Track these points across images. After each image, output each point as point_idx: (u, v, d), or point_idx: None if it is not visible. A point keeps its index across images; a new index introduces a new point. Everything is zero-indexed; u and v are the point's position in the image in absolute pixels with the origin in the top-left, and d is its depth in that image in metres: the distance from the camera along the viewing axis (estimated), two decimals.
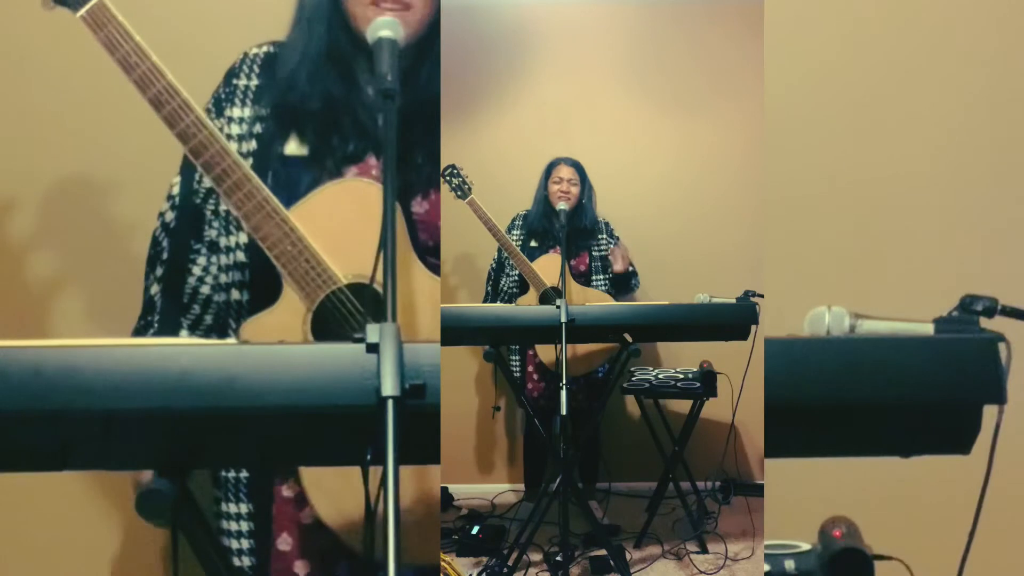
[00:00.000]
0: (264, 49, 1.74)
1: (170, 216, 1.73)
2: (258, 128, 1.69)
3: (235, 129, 1.69)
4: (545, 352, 3.53)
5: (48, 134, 2.30)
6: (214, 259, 1.70)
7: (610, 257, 3.62)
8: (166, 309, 1.70)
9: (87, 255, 2.31)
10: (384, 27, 1.50)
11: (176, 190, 1.74)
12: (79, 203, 2.30)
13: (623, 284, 3.66)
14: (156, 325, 1.70)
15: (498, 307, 3.42)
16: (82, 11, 1.51)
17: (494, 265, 3.72)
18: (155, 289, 1.72)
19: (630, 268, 3.68)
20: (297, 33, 1.71)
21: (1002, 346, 1.28)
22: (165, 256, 1.72)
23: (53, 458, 1.15)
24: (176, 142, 1.55)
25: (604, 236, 3.70)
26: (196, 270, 1.71)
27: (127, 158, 2.26)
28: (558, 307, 2.58)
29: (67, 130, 2.30)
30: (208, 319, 1.71)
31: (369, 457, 1.08)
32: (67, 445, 1.14)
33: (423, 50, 1.69)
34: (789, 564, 1.55)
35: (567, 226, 3.40)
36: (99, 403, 1.09)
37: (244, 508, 1.70)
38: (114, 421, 1.11)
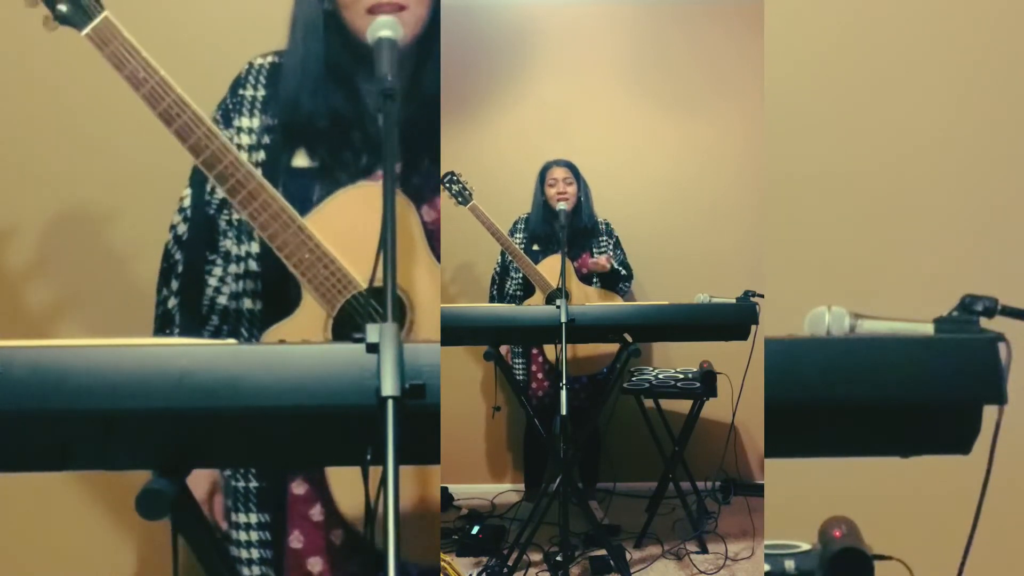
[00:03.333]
0: (269, 59, 1.74)
1: (182, 228, 1.73)
2: (266, 139, 1.69)
3: (244, 139, 1.69)
4: (552, 352, 3.53)
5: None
6: (230, 269, 1.70)
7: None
8: (185, 321, 1.71)
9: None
10: (384, 27, 1.50)
11: (187, 202, 1.73)
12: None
13: (612, 283, 3.65)
14: (176, 338, 1.70)
15: (499, 307, 3.42)
16: (87, 29, 1.50)
17: (498, 269, 3.71)
18: (172, 302, 1.72)
19: (623, 272, 3.67)
20: (294, 50, 1.70)
21: (1002, 346, 1.28)
22: (180, 269, 1.72)
23: (53, 458, 1.16)
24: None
25: (604, 236, 3.70)
26: (213, 281, 1.71)
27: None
28: (558, 307, 2.58)
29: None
30: (227, 329, 1.71)
31: (369, 457, 1.08)
32: (67, 445, 1.14)
33: (424, 53, 1.68)
34: (789, 564, 1.55)
35: (568, 226, 3.40)
36: (99, 403, 1.09)
37: (255, 518, 1.69)
38: (114, 421, 1.11)
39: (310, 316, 1.58)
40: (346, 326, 1.57)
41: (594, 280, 3.62)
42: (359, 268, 1.57)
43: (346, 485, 1.57)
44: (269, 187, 1.55)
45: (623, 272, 3.67)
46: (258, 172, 1.56)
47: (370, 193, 1.62)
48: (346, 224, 1.58)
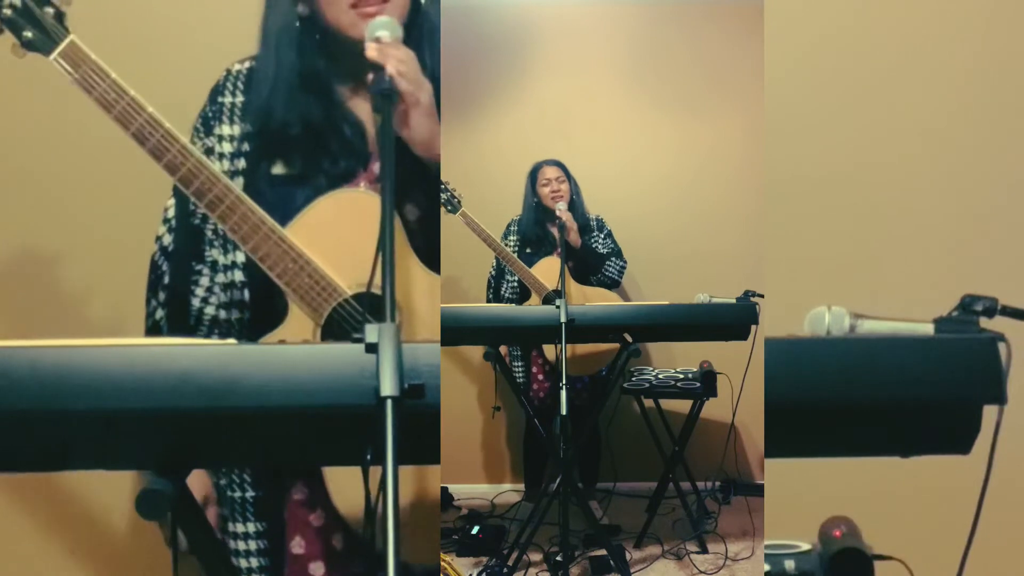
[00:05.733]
0: (246, 65, 1.72)
1: (168, 239, 1.72)
2: (246, 146, 1.68)
3: (226, 147, 1.68)
4: (551, 352, 3.52)
5: None
6: (217, 279, 1.69)
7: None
8: (173, 332, 1.69)
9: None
10: (381, 27, 1.51)
11: (171, 212, 1.72)
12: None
13: (591, 264, 3.57)
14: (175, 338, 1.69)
15: (498, 307, 3.41)
16: (55, 54, 1.49)
17: (493, 272, 3.70)
18: (159, 314, 1.71)
19: (601, 249, 3.64)
20: (265, 60, 1.68)
21: (1002, 346, 1.28)
22: (167, 280, 1.71)
23: (53, 458, 1.16)
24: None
25: (596, 232, 3.68)
26: (200, 291, 1.70)
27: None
28: (558, 307, 2.58)
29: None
30: (216, 339, 1.70)
31: (369, 457, 1.08)
32: (67, 445, 1.14)
33: (407, 43, 1.67)
34: (789, 564, 1.55)
35: (566, 225, 3.39)
36: (99, 403, 1.09)
37: (252, 527, 1.69)
38: (114, 421, 1.11)
39: (298, 326, 1.57)
40: (334, 334, 1.56)
41: (590, 278, 3.58)
42: (343, 275, 1.56)
43: (345, 487, 1.57)
44: (247, 200, 1.54)
45: (602, 250, 3.63)
46: (236, 185, 1.55)
47: (350, 198, 1.61)
48: (328, 231, 1.57)
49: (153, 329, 1.71)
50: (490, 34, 4.17)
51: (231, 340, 1.65)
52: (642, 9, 4.21)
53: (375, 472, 1.07)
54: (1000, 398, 1.27)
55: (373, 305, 1.53)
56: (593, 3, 4.20)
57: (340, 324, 1.55)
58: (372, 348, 1.09)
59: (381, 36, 1.50)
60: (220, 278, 1.68)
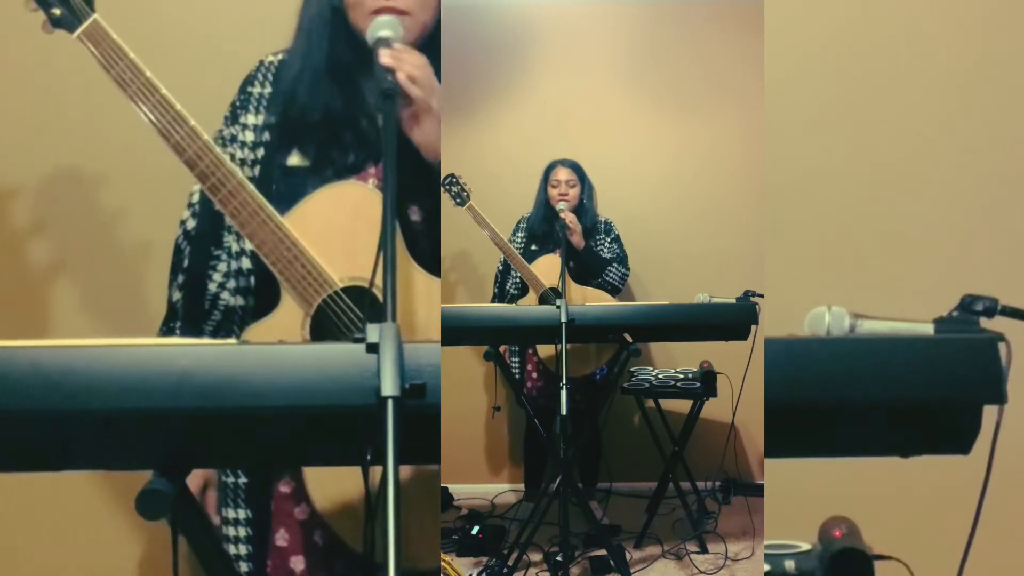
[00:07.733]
0: (279, 57, 1.76)
1: (191, 224, 1.75)
2: (267, 136, 1.69)
3: (248, 136, 1.70)
4: (545, 351, 3.52)
5: (41, 127, 2.32)
6: (232, 265, 1.71)
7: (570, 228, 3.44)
8: (187, 315, 1.72)
9: (80, 245, 2.34)
10: (383, 27, 1.52)
11: (196, 198, 1.75)
12: (72, 194, 2.32)
13: (592, 267, 3.56)
14: (178, 332, 1.71)
15: (498, 307, 3.42)
16: (78, 31, 1.54)
17: (500, 267, 3.71)
18: (177, 296, 1.74)
19: (605, 254, 3.64)
20: (297, 46, 1.72)
21: (1002, 346, 1.28)
22: (186, 263, 1.73)
23: (53, 458, 1.15)
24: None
25: (603, 235, 3.69)
26: (217, 276, 1.72)
27: (116, 149, 2.28)
28: (558, 307, 2.58)
29: (59, 123, 2.31)
30: (228, 325, 1.72)
31: (369, 457, 1.07)
32: (67, 445, 1.14)
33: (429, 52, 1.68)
34: (789, 564, 1.55)
35: (568, 226, 3.39)
36: (99, 403, 1.09)
37: (243, 514, 1.70)
38: (114, 421, 1.11)
39: (289, 315, 1.58)
40: (323, 325, 1.57)
41: (593, 280, 3.59)
42: (336, 266, 1.57)
43: (323, 485, 1.58)
44: (248, 186, 1.56)
45: (606, 254, 3.62)
46: (239, 172, 1.57)
47: (349, 191, 1.61)
48: (325, 222, 1.58)
49: (171, 312, 1.75)
50: (490, 34, 4.17)
51: (231, 340, 1.66)
52: (642, 9, 4.21)
53: (375, 472, 1.07)
54: (1000, 398, 1.27)
55: (363, 299, 1.54)
56: (593, 3, 4.20)
57: (329, 316, 1.56)
58: (373, 348, 1.09)
59: (383, 36, 1.51)
60: (234, 264, 1.70)
